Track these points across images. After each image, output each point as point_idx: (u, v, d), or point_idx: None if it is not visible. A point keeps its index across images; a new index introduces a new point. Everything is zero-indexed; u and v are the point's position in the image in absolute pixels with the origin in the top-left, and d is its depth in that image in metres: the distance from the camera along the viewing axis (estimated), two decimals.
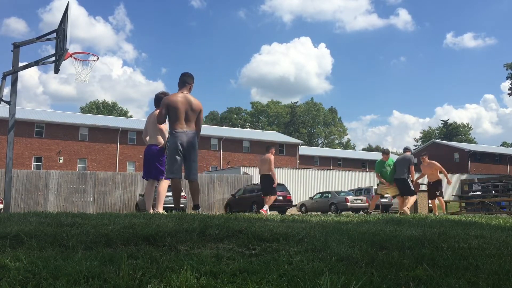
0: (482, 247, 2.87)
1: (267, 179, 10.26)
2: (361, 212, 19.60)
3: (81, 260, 2.29)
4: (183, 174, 5.65)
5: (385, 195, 11.83)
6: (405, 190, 10.14)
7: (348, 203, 22.28)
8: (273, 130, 67.18)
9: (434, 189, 10.99)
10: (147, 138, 6.51)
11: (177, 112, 5.41)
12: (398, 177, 10.16)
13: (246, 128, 70.28)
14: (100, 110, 68.80)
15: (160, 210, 6.03)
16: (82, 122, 38.94)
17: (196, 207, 5.62)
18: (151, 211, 6.04)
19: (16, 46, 8.58)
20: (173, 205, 5.88)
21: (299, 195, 29.29)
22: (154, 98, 6.57)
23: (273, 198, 10.26)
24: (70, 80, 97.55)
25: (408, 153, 10.45)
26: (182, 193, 20.45)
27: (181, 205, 5.83)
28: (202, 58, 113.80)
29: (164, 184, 6.24)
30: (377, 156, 62.68)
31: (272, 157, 10.21)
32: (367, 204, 23.07)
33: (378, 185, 10.96)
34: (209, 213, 5.80)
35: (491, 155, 53.98)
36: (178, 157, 5.43)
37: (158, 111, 6.18)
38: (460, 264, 2.39)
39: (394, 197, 10.57)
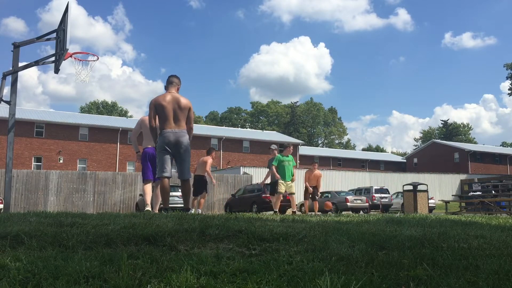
0: (482, 247, 2.87)
1: (200, 180, 10.68)
2: (361, 212, 19.59)
3: (81, 260, 2.29)
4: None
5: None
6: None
7: (348, 203, 22.27)
8: (273, 130, 67.17)
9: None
10: (144, 142, 6.67)
11: (164, 112, 5.43)
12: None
13: (246, 128, 70.25)
14: (100, 110, 68.80)
15: (156, 210, 6.21)
16: (82, 122, 38.93)
17: (186, 210, 5.48)
18: (155, 210, 6.17)
19: (16, 46, 8.58)
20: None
21: (299, 195, 29.26)
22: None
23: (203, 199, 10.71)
24: (69, 80, 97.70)
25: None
26: (180, 194, 20.50)
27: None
28: (201, 58, 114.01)
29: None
30: (377, 156, 62.80)
31: (210, 160, 10.58)
32: (367, 204, 23.08)
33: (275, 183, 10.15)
34: (209, 213, 5.83)
35: (491, 155, 53.96)
36: (165, 157, 5.46)
37: (143, 118, 6.57)
38: (460, 264, 2.39)
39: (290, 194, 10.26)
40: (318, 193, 12.47)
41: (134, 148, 6.84)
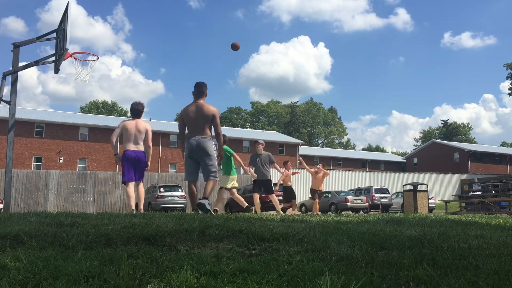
0: (482, 247, 2.87)
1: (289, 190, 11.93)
2: (361, 212, 19.59)
3: (81, 260, 2.29)
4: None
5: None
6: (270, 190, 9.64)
7: (348, 203, 22.27)
8: (273, 130, 67.16)
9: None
10: (126, 145, 6.87)
11: (189, 121, 5.89)
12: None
13: (246, 128, 70.26)
14: (100, 110, 68.81)
15: (142, 209, 6.72)
16: (82, 122, 38.93)
17: (203, 201, 5.69)
18: (134, 209, 6.64)
19: (16, 46, 8.58)
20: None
21: (299, 195, 29.28)
22: (130, 109, 7.13)
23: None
24: (69, 80, 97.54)
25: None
26: (183, 193, 20.54)
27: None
28: (200, 58, 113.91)
29: (142, 185, 6.95)
30: (377, 156, 62.81)
31: (285, 172, 11.70)
32: (367, 204, 23.08)
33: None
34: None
35: (491, 155, 53.96)
36: (190, 162, 5.92)
37: (133, 121, 6.88)
38: (460, 264, 2.39)
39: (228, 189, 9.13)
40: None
41: (113, 150, 6.95)
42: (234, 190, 8.85)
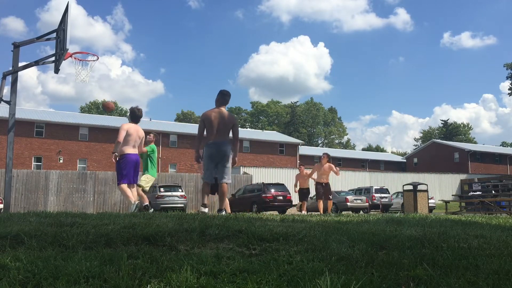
0: (482, 247, 2.87)
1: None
2: (361, 212, 19.59)
3: (81, 260, 2.29)
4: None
5: None
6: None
7: (348, 203, 22.27)
8: (273, 130, 67.16)
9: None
10: (127, 148, 7.11)
11: (211, 125, 6.14)
12: None
13: (246, 128, 70.25)
14: (100, 110, 68.82)
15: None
16: (82, 122, 38.93)
17: (219, 211, 6.23)
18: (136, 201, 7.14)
19: (16, 46, 8.58)
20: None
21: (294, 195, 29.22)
22: (129, 113, 7.41)
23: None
24: (69, 80, 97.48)
25: None
26: (183, 193, 20.57)
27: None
28: (200, 58, 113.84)
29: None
30: (377, 156, 62.80)
31: (301, 172, 12.89)
32: (367, 204, 23.07)
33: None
34: (209, 213, 5.93)
35: (491, 155, 53.96)
36: (210, 165, 6.19)
37: (134, 126, 7.14)
38: (460, 264, 2.39)
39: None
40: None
41: (115, 149, 6.94)
42: (140, 189, 8.38)
